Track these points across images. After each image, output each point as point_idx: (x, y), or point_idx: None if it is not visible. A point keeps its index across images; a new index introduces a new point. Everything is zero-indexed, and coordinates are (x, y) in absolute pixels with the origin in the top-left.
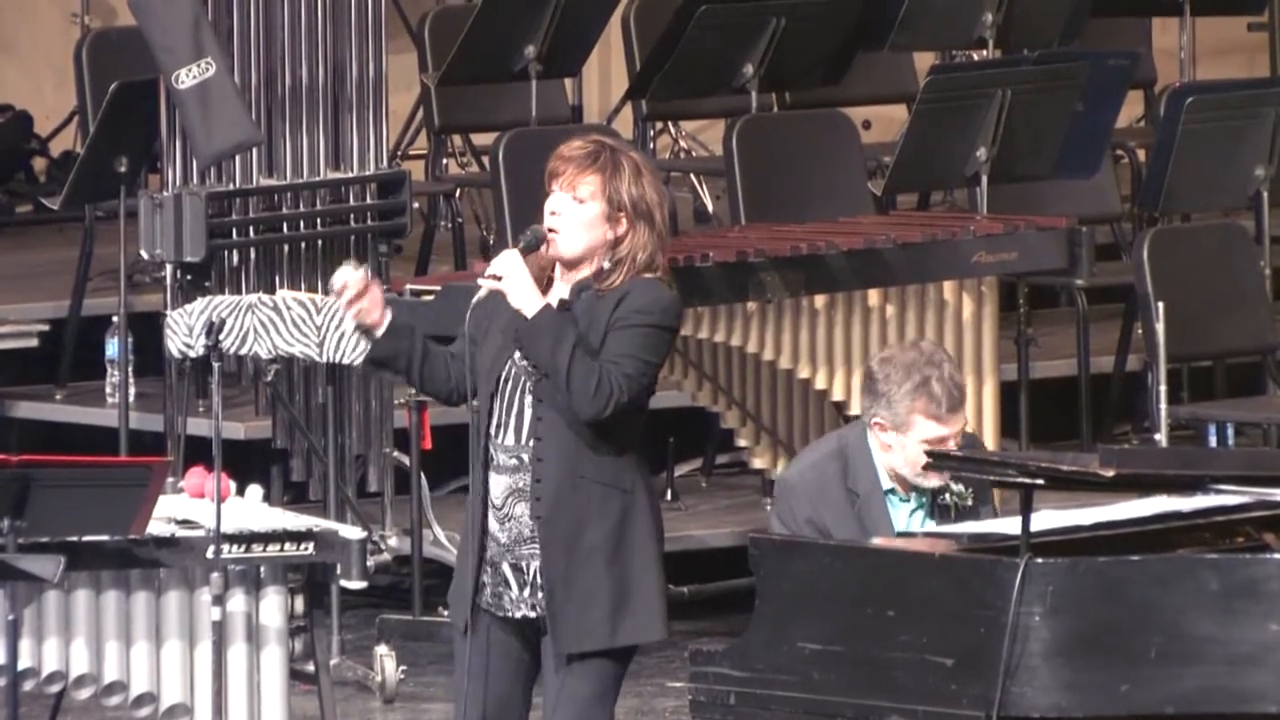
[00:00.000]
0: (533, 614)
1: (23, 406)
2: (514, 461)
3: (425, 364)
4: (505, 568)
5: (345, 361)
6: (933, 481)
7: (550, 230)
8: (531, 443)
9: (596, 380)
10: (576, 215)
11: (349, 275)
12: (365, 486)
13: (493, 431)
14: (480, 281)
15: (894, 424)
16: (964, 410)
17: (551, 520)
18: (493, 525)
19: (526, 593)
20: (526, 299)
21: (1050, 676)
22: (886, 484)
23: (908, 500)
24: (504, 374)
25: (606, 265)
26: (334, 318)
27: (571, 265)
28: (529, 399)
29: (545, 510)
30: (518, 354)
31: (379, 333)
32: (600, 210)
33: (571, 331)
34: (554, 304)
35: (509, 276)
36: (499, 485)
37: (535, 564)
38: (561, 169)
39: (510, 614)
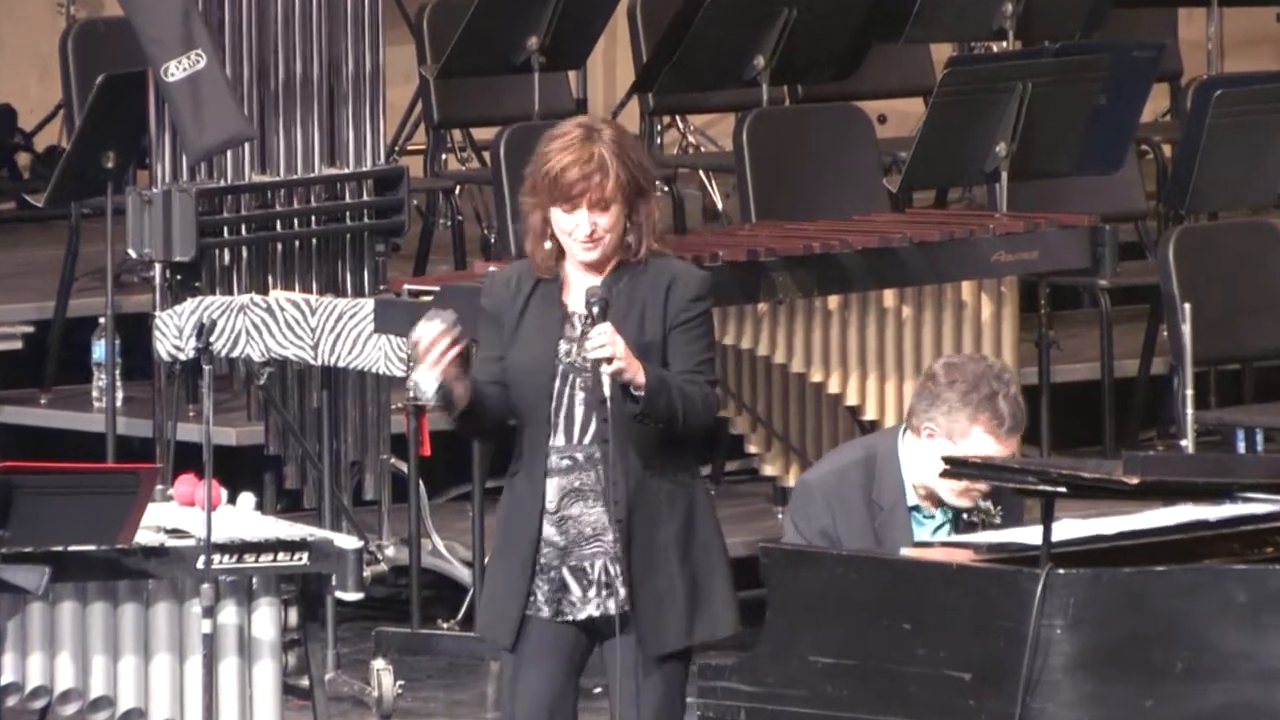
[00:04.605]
0: (597, 614)
1: (6, 411)
2: (567, 462)
3: (496, 412)
4: (564, 571)
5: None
6: (964, 502)
7: (588, 246)
8: (588, 441)
9: (702, 404)
10: (609, 222)
11: (434, 328)
12: (361, 494)
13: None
14: (601, 368)
15: (948, 431)
16: (1020, 436)
17: (627, 519)
18: (547, 530)
19: (592, 592)
20: (637, 370)
21: (1072, 691)
22: (912, 500)
23: (932, 517)
24: (549, 375)
25: (630, 240)
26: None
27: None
28: (579, 395)
29: (620, 510)
30: (561, 348)
31: (461, 394)
32: (622, 204)
33: (668, 374)
34: (585, 299)
35: (620, 354)
36: (551, 488)
37: (600, 563)
38: (579, 188)
39: (570, 618)
